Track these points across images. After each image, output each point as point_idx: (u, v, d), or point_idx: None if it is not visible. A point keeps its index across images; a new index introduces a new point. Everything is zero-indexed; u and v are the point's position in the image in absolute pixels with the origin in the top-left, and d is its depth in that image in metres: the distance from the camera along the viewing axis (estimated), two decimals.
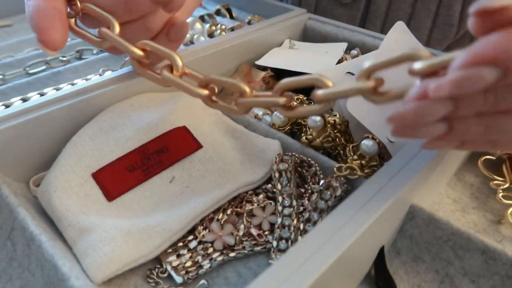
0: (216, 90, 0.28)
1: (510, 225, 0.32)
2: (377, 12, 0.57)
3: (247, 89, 0.26)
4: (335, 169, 0.30)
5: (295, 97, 0.36)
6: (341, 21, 0.51)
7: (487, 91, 0.18)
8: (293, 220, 0.28)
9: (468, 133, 0.20)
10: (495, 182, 0.34)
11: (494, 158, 0.36)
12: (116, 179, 0.30)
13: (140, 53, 0.29)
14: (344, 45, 0.47)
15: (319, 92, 0.23)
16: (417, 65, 0.19)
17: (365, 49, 0.46)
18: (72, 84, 0.44)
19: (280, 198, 0.30)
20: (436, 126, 0.19)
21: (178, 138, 0.32)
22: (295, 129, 0.37)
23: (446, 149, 0.23)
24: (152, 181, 0.30)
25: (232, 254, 0.28)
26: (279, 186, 0.30)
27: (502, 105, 0.19)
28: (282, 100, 0.25)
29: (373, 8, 0.57)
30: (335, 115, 0.34)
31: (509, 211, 0.32)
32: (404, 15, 0.56)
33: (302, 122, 0.37)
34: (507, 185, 0.34)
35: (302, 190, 0.31)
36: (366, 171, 0.30)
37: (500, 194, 0.33)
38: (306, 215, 0.29)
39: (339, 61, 0.43)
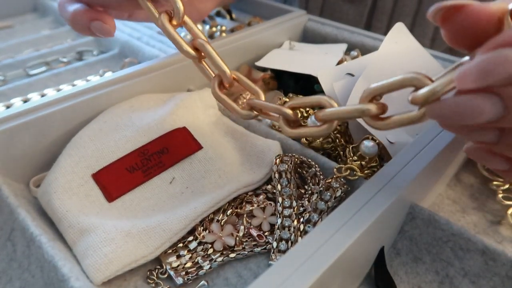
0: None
1: (510, 226, 0.32)
2: (384, 8, 0.57)
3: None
4: (335, 170, 0.30)
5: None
6: (348, 17, 0.50)
7: None
8: (293, 221, 0.28)
9: None
10: (495, 183, 0.34)
11: None
12: (116, 180, 0.30)
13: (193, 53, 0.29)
14: (344, 46, 0.47)
15: (321, 113, 0.23)
16: (419, 96, 0.18)
17: (365, 50, 0.47)
18: (73, 85, 0.45)
19: (280, 199, 0.30)
20: (484, 132, 0.17)
21: (178, 139, 0.32)
22: None
23: (491, 166, 0.20)
24: (152, 182, 0.30)
25: (232, 255, 0.28)
26: (279, 187, 0.30)
27: None
28: (289, 112, 0.25)
29: (380, 4, 0.57)
30: None
31: (509, 212, 0.32)
32: (411, 11, 0.56)
33: (302, 123, 0.37)
34: (507, 186, 0.34)
35: (302, 191, 0.31)
36: (366, 172, 0.30)
37: (500, 195, 0.33)
38: (306, 216, 0.29)
39: (339, 62, 0.43)
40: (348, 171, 0.30)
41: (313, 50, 0.48)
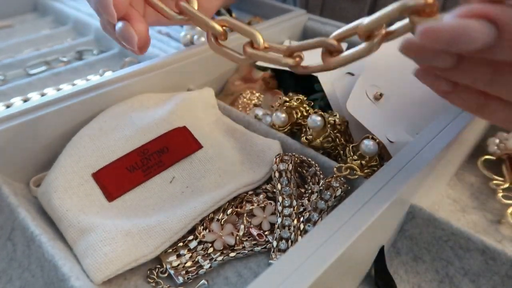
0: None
1: (510, 225, 0.32)
2: (385, 5, 0.56)
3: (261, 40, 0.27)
4: (335, 169, 0.30)
5: (295, 97, 0.37)
6: (348, 14, 0.50)
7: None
8: (293, 220, 0.28)
9: (471, 75, 0.18)
10: (495, 182, 0.34)
11: (494, 158, 0.36)
12: (117, 179, 0.30)
13: (220, 29, 0.28)
14: (344, 46, 0.47)
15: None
16: (361, 28, 0.22)
17: None
18: (73, 85, 0.45)
19: (280, 198, 0.30)
20: (445, 57, 0.18)
21: (178, 138, 0.32)
22: (295, 129, 0.37)
23: (435, 87, 0.21)
24: (152, 181, 0.30)
25: (232, 254, 0.28)
26: (279, 186, 0.30)
27: None
28: (290, 61, 0.26)
29: (380, 3, 0.57)
30: (335, 115, 0.34)
31: (509, 211, 0.32)
32: None
33: (302, 123, 0.37)
34: (506, 185, 0.34)
35: (302, 190, 0.31)
36: (366, 171, 0.30)
37: (500, 194, 0.33)
38: (306, 215, 0.29)
39: None
40: (348, 170, 0.30)
41: (312, 49, 0.48)
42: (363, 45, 0.23)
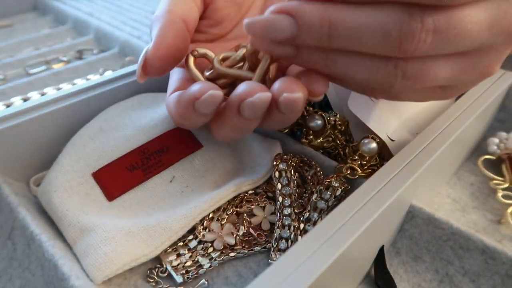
0: None
1: (510, 225, 0.32)
2: None
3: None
4: (335, 169, 0.30)
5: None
6: None
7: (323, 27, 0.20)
8: (293, 220, 0.28)
9: (310, 61, 0.22)
10: (495, 181, 0.34)
11: (494, 158, 0.36)
12: (116, 178, 0.30)
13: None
14: None
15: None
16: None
17: None
18: (73, 84, 0.45)
19: (280, 198, 0.30)
20: (285, 48, 0.21)
21: (178, 138, 0.32)
22: (295, 129, 0.37)
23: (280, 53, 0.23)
24: (152, 181, 0.30)
25: (232, 254, 0.28)
26: (279, 186, 0.30)
27: (338, 43, 0.20)
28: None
29: None
30: (336, 115, 0.34)
31: (509, 211, 0.32)
32: None
33: (302, 123, 0.37)
34: (507, 185, 0.34)
35: (302, 190, 0.31)
36: (366, 171, 0.30)
37: (500, 194, 0.33)
38: (306, 215, 0.29)
39: None
40: (349, 170, 0.30)
41: None
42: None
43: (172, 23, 0.27)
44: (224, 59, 0.28)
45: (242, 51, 0.28)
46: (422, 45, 0.18)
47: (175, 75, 0.30)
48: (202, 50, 0.28)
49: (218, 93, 0.23)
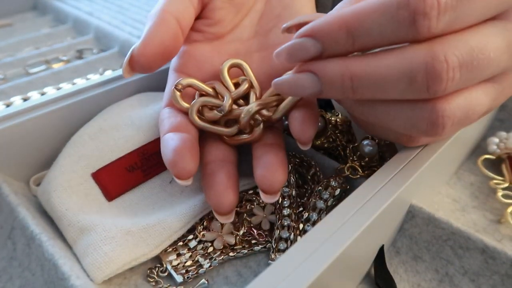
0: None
1: (510, 224, 0.32)
2: None
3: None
4: (336, 171, 0.30)
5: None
6: None
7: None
8: (292, 220, 0.28)
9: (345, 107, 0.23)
10: (495, 181, 0.34)
11: (494, 157, 0.36)
12: (116, 179, 0.30)
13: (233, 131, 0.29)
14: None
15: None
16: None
17: None
18: (73, 84, 0.45)
19: (279, 198, 0.30)
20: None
21: None
22: None
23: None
24: (152, 181, 0.30)
25: (232, 254, 0.28)
26: None
27: (363, 94, 0.20)
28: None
29: None
30: (337, 115, 0.34)
31: (508, 210, 0.32)
32: None
33: None
34: (506, 185, 0.34)
35: (302, 190, 0.31)
36: (366, 171, 0.30)
37: (500, 194, 0.33)
38: (306, 215, 0.29)
39: None
40: (350, 170, 0.30)
41: None
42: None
43: (163, 22, 0.27)
44: (204, 105, 0.28)
45: (245, 86, 0.28)
46: (451, 83, 0.18)
47: (166, 114, 0.28)
48: (185, 81, 0.28)
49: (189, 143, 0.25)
